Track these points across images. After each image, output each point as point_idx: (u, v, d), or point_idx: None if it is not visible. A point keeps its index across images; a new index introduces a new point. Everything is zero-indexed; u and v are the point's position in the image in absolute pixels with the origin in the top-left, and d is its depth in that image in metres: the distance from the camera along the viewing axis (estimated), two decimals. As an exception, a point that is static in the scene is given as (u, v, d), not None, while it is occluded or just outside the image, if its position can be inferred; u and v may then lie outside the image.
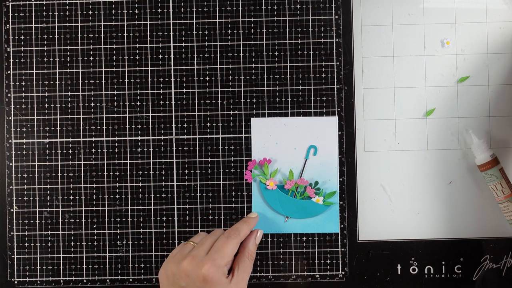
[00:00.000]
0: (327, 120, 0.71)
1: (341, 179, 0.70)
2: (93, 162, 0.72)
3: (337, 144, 0.70)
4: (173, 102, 0.72)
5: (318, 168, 0.70)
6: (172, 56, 0.72)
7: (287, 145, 0.71)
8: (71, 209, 0.72)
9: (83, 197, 0.72)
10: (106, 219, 0.71)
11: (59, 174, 0.72)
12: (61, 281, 0.71)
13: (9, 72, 0.72)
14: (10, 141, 0.72)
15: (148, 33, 0.72)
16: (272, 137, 0.71)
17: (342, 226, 0.71)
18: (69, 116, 0.72)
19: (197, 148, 0.71)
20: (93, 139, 0.72)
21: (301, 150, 0.70)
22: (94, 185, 0.72)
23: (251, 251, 0.65)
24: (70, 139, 0.72)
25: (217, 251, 0.61)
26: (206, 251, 0.62)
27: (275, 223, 0.70)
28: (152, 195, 0.71)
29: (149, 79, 0.72)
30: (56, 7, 0.72)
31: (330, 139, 0.70)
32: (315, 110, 0.71)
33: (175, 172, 0.71)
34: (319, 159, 0.70)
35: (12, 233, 0.72)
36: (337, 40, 0.71)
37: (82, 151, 0.72)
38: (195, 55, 0.72)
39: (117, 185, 0.71)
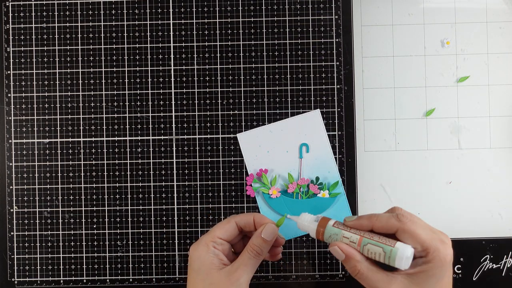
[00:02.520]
0: (310, 115, 0.71)
1: (341, 179, 0.70)
2: (93, 162, 0.72)
3: (326, 136, 0.70)
4: (173, 102, 0.72)
5: (314, 163, 0.70)
6: (172, 56, 0.72)
7: (279, 151, 0.71)
8: (71, 209, 0.72)
9: (83, 197, 0.72)
10: (106, 219, 0.71)
11: (59, 174, 0.72)
12: (61, 281, 0.71)
13: (9, 72, 0.72)
14: (10, 141, 0.72)
15: (148, 33, 0.72)
16: (262, 147, 0.71)
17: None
18: (69, 116, 0.72)
19: (197, 148, 0.71)
20: (93, 139, 0.72)
21: (294, 151, 0.70)
22: (94, 185, 0.72)
23: (253, 243, 0.58)
24: (70, 139, 0.72)
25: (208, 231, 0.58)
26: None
27: (289, 229, 0.70)
28: (152, 195, 0.71)
29: (149, 79, 0.72)
30: (56, 7, 0.72)
31: (319, 133, 0.70)
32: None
33: (175, 172, 0.71)
34: (313, 154, 0.70)
35: (12, 233, 0.72)
36: (337, 40, 0.71)
37: (82, 151, 0.72)
38: (195, 55, 0.72)
39: (117, 185, 0.71)
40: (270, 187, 0.70)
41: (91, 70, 0.72)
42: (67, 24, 0.72)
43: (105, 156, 0.72)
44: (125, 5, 0.72)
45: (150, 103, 0.72)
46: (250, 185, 0.70)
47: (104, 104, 0.72)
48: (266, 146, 0.71)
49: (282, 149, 0.71)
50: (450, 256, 0.53)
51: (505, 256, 0.70)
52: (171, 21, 0.72)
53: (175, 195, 0.71)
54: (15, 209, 0.72)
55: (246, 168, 0.71)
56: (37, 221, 0.72)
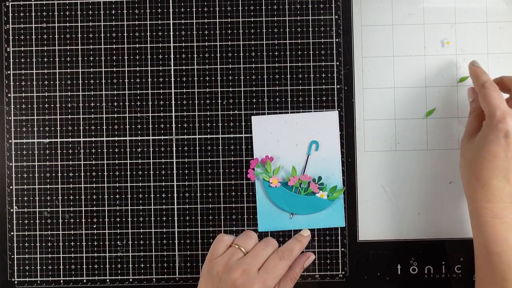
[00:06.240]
0: (328, 115, 0.71)
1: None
2: (93, 162, 0.72)
3: (338, 138, 0.70)
4: (173, 102, 0.72)
5: (320, 163, 0.70)
6: (172, 56, 0.72)
7: (289, 142, 0.70)
8: (71, 209, 0.72)
9: (83, 197, 0.72)
10: (106, 219, 0.71)
11: (59, 174, 0.72)
12: (61, 281, 0.71)
13: (9, 72, 0.72)
14: (10, 141, 0.72)
15: (148, 33, 0.72)
16: (273, 135, 0.71)
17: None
18: (69, 116, 0.72)
19: (197, 148, 0.71)
20: (93, 139, 0.72)
21: (303, 146, 0.70)
22: (94, 185, 0.72)
23: (296, 274, 0.65)
24: (70, 139, 0.72)
25: (269, 272, 0.61)
26: (258, 267, 0.61)
27: (281, 221, 0.70)
28: (152, 195, 0.71)
29: (149, 79, 0.72)
30: (56, 7, 0.72)
31: (332, 134, 0.70)
32: (315, 110, 0.71)
33: (175, 172, 0.71)
34: (321, 154, 0.70)
35: (12, 233, 0.72)
36: (337, 40, 0.71)
37: (82, 151, 0.72)
38: (195, 55, 0.72)
39: (117, 185, 0.71)
40: (271, 175, 0.70)
41: (91, 70, 0.72)
42: (67, 24, 0.72)
43: (105, 156, 0.72)
44: (125, 5, 0.72)
45: (150, 103, 0.72)
46: (252, 169, 0.70)
47: (104, 104, 0.72)
48: (277, 135, 0.71)
49: (292, 141, 0.70)
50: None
51: (505, 256, 0.70)
52: (171, 21, 0.72)
53: (175, 195, 0.71)
54: (15, 209, 0.72)
55: (252, 151, 0.71)
56: (37, 221, 0.72)
